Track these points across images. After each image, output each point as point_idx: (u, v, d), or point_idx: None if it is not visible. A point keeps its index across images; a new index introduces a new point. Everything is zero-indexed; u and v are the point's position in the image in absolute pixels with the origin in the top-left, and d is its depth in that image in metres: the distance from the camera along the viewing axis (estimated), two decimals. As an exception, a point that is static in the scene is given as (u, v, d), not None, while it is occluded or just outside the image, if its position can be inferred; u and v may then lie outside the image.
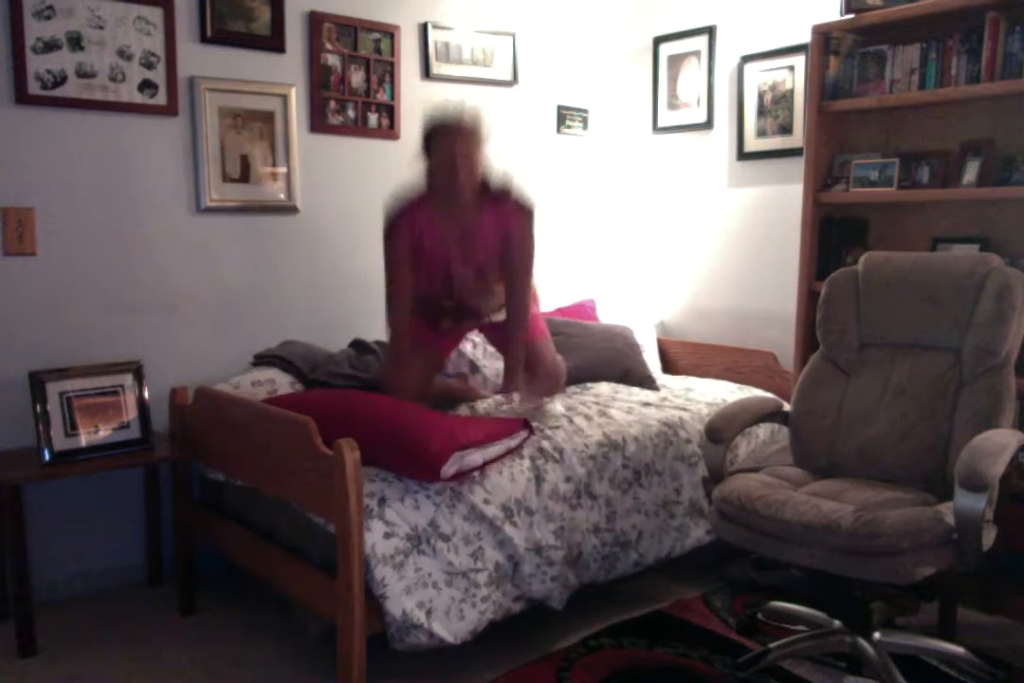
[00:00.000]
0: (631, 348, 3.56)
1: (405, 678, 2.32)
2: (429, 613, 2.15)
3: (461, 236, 2.65)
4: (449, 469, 2.20)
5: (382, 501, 2.16)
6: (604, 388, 3.34)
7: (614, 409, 2.98)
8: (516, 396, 2.89)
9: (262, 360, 2.97)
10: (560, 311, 3.73)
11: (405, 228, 2.63)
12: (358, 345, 3.17)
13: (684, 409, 3.03)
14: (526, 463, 2.46)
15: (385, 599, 2.09)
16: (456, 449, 2.22)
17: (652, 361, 3.72)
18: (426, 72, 3.47)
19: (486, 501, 2.31)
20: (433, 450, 2.19)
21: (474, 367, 3.28)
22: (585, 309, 3.83)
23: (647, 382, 3.45)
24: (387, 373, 2.80)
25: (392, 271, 2.68)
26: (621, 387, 3.37)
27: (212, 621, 2.65)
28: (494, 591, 2.30)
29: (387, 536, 2.12)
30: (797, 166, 3.26)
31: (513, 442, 2.44)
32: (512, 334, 2.77)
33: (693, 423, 2.92)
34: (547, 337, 2.97)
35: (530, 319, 2.81)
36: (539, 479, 2.44)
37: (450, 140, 2.54)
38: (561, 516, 2.45)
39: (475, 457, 2.29)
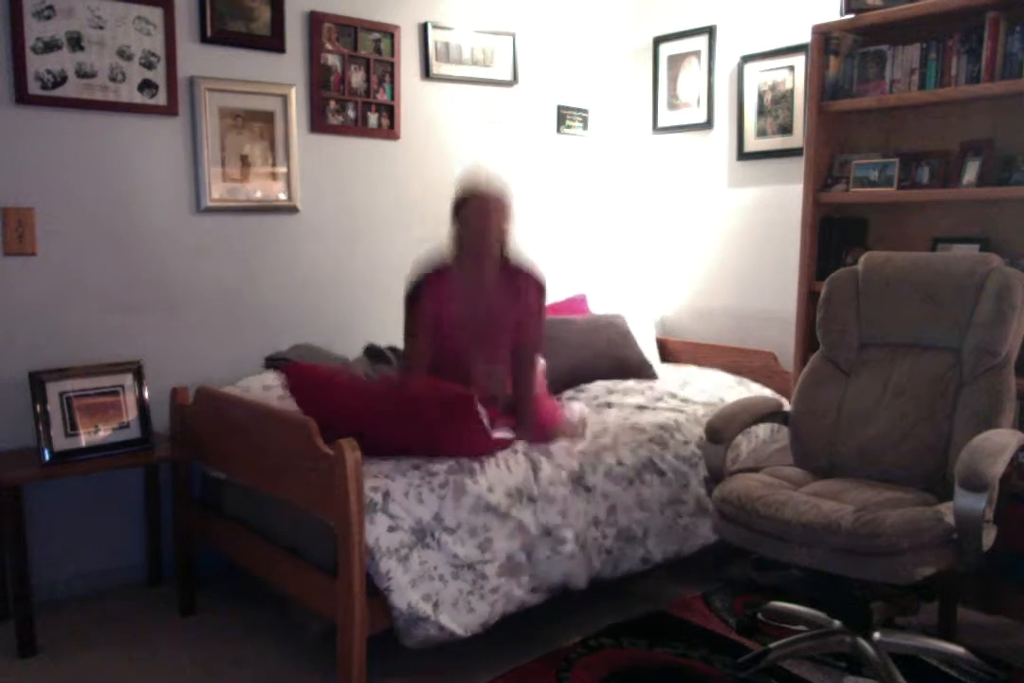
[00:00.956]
0: (622, 337, 3.54)
1: (405, 677, 2.32)
2: (436, 606, 2.16)
3: (479, 305, 2.67)
4: (477, 407, 2.31)
5: (386, 495, 2.16)
6: (599, 388, 3.33)
7: (608, 416, 2.98)
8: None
9: (273, 363, 2.96)
10: (552, 307, 3.71)
11: (427, 296, 2.64)
12: (372, 352, 3.14)
13: (679, 411, 3.02)
14: (520, 456, 2.48)
15: (390, 592, 2.10)
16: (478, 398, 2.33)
17: (652, 361, 3.71)
18: (426, 72, 3.47)
19: (490, 489, 2.32)
20: (459, 390, 2.34)
21: None
22: (576, 303, 3.81)
23: (644, 370, 3.44)
24: None
25: (410, 338, 2.69)
26: (617, 385, 3.36)
27: (212, 621, 2.65)
28: (505, 583, 2.30)
29: (391, 529, 2.13)
30: (797, 166, 3.26)
31: (509, 435, 2.52)
32: (519, 412, 2.71)
33: (689, 425, 2.91)
34: (560, 419, 2.88)
35: (539, 401, 2.79)
36: (535, 468, 2.46)
37: (482, 207, 2.59)
38: (564, 499, 2.46)
39: (487, 423, 2.37)
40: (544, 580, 2.39)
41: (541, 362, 2.91)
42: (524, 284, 2.71)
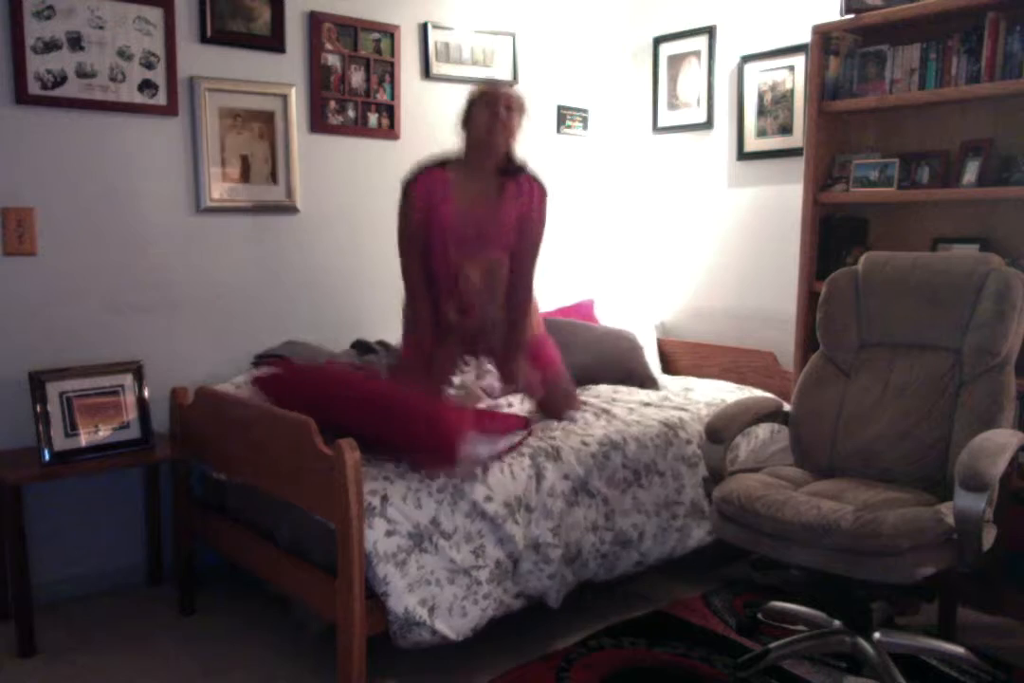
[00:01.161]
0: (633, 350, 3.56)
1: (405, 678, 2.32)
2: (432, 610, 2.16)
3: (480, 207, 2.64)
4: (464, 449, 2.20)
5: (384, 499, 2.16)
6: (604, 389, 3.34)
7: (615, 408, 2.98)
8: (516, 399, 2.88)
9: (263, 360, 2.97)
10: (560, 311, 3.73)
11: (424, 190, 2.61)
12: (360, 346, 3.17)
13: (684, 409, 3.03)
14: (526, 461, 2.46)
15: (387, 597, 2.10)
16: (470, 429, 2.23)
17: (652, 361, 3.71)
18: (426, 72, 3.47)
19: (488, 498, 2.31)
20: (450, 426, 2.20)
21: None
22: (584, 309, 3.83)
23: (648, 383, 3.45)
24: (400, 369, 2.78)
25: (407, 241, 2.64)
26: (621, 388, 3.37)
27: (212, 621, 2.65)
28: (495, 588, 2.30)
29: (389, 534, 2.12)
30: (797, 166, 3.26)
31: (516, 438, 2.46)
32: (513, 320, 2.71)
33: (693, 423, 2.92)
34: (560, 369, 2.91)
35: (538, 347, 2.81)
36: (539, 476, 2.44)
37: (494, 106, 2.59)
38: (560, 514, 2.45)
39: (482, 450, 2.30)
40: (524, 590, 2.38)
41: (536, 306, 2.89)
42: (527, 187, 2.69)
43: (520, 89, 2.69)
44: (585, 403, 3.01)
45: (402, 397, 2.34)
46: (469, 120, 2.64)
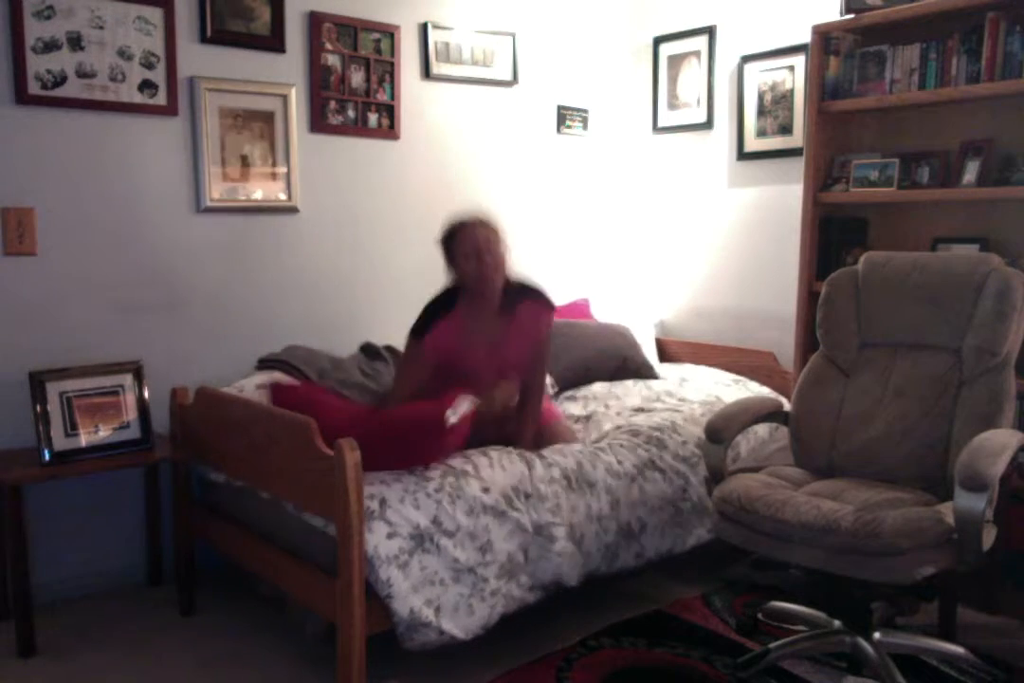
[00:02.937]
0: (626, 341, 3.56)
1: (405, 678, 2.32)
2: (437, 610, 2.15)
3: (494, 340, 2.63)
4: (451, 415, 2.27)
5: (382, 502, 2.16)
6: (597, 389, 3.33)
7: (607, 414, 2.98)
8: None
9: (266, 364, 2.96)
10: (556, 311, 3.71)
11: (435, 334, 2.59)
12: (368, 350, 3.14)
13: (677, 411, 3.02)
14: (514, 455, 2.47)
15: (391, 599, 2.09)
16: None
17: (652, 362, 3.71)
18: (426, 72, 3.47)
19: (485, 490, 2.31)
20: (430, 405, 2.31)
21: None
22: (579, 308, 3.82)
23: (645, 370, 3.44)
24: None
25: (406, 369, 2.63)
26: (615, 386, 3.36)
27: (212, 621, 2.65)
28: (505, 584, 2.29)
29: (390, 536, 2.12)
30: (797, 166, 3.26)
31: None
32: (521, 426, 2.72)
33: (687, 426, 2.91)
34: (560, 419, 2.92)
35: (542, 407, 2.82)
36: (530, 466, 2.46)
37: (471, 237, 2.56)
38: (555, 495, 2.45)
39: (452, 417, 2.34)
40: (539, 578, 2.39)
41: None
42: (533, 311, 2.68)
43: (484, 215, 2.64)
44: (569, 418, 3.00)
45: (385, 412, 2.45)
46: (453, 261, 2.61)
